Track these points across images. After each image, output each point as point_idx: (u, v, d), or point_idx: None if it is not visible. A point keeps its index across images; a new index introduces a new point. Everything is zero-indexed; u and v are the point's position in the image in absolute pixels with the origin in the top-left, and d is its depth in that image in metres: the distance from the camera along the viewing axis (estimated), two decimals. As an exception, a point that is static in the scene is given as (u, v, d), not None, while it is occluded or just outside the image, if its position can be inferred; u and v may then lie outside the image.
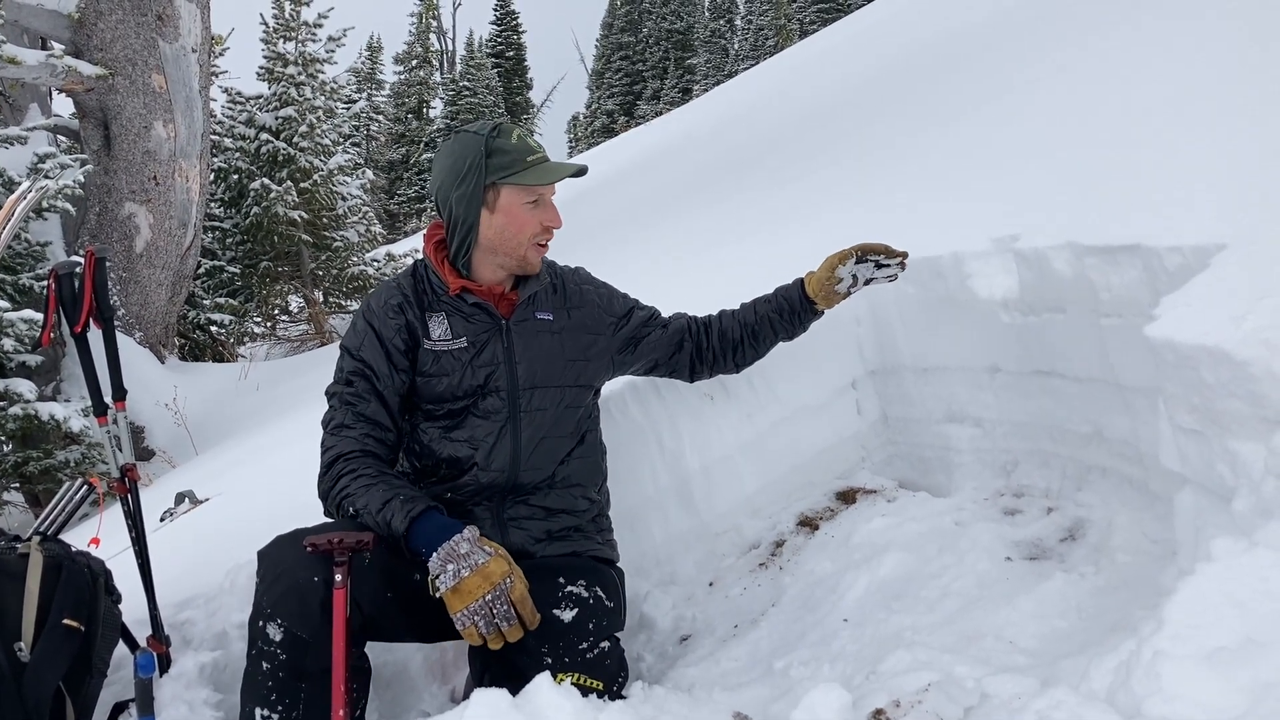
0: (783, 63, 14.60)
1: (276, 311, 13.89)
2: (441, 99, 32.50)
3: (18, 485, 7.18)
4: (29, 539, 2.23)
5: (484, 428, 2.19)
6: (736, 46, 39.03)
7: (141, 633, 2.36)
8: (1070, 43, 4.56)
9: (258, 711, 1.89)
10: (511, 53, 38.20)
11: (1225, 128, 2.53)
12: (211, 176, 11.17)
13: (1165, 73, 3.31)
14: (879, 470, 3.00)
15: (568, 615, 2.05)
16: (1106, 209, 2.34)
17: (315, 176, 12.63)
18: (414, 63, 33.06)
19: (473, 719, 1.63)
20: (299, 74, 13.04)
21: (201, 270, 11.57)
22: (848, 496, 2.92)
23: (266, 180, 12.13)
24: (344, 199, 13.39)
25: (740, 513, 2.93)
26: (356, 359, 2.19)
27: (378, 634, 2.08)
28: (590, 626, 2.05)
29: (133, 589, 2.36)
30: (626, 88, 42.72)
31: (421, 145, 31.02)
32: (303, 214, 12.38)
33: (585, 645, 2.02)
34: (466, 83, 31.66)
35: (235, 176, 12.59)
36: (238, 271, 12.46)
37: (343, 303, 13.87)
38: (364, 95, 29.71)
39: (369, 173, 15.65)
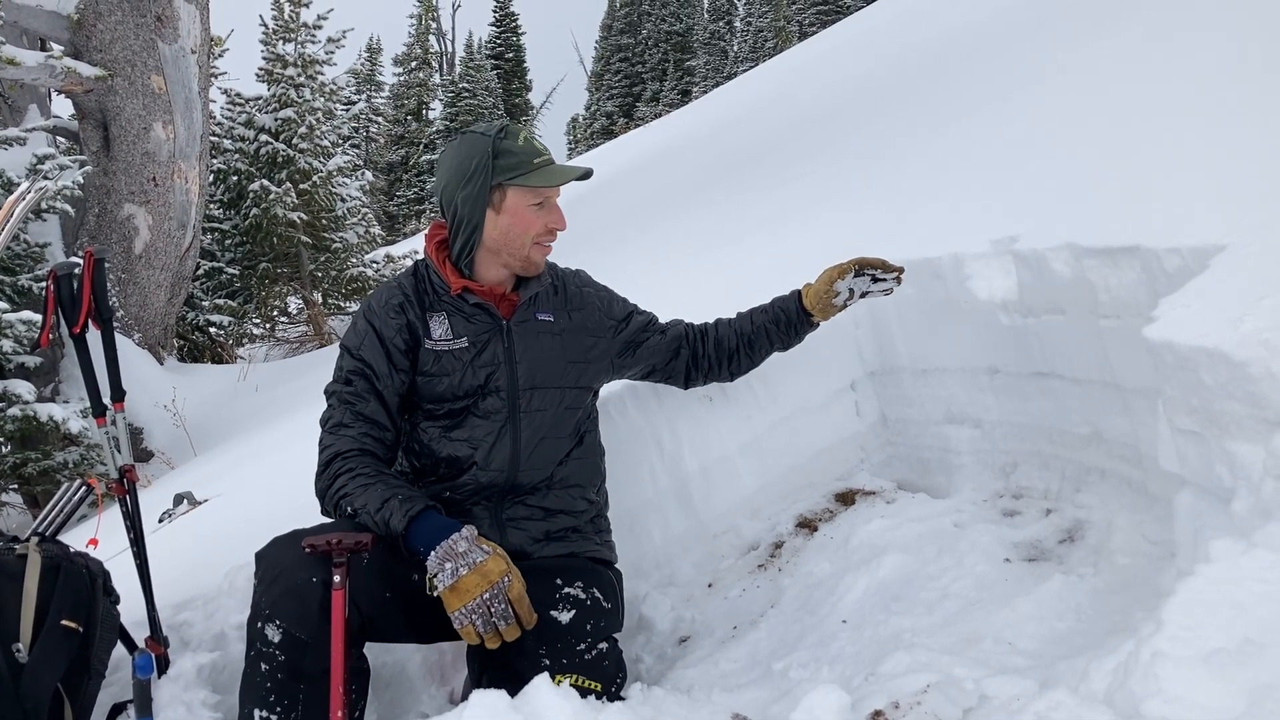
0: (782, 64, 14.61)
1: (275, 313, 13.88)
2: (441, 101, 32.51)
3: (16, 486, 7.17)
4: (27, 540, 2.23)
5: (484, 427, 2.20)
6: (736, 48, 39.05)
7: (140, 634, 2.36)
8: (1069, 44, 4.56)
9: (256, 713, 1.89)
10: (511, 54, 38.20)
11: (1224, 129, 2.53)
12: (211, 178, 11.17)
13: (1164, 74, 3.32)
14: (878, 472, 3.00)
15: (565, 617, 2.05)
16: (1105, 210, 2.34)
17: (314, 178, 12.63)
18: (413, 64, 33.09)
19: (473, 719, 1.63)
20: (298, 75, 13.04)
21: (200, 271, 11.57)
22: (847, 498, 2.92)
23: (266, 182, 12.14)
24: (343, 200, 13.40)
25: (739, 514, 2.93)
26: (356, 358, 2.19)
27: (376, 634, 2.08)
28: (588, 628, 2.05)
29: (131, 590, 2.35)
30: (626, 89, 42.73)
31: (421, 147, 31.03)
32: (302, 215, 12.38)
33: (583, 646, 2.02)
34: (466, 84, 31.67)
35: (234, 178, 12.59)
36: (237, 273, 12.46)
37: (342, 304, 13.86)
38: (363, 97, 29.70)
39: (368, 174, 15.66)
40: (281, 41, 13.39)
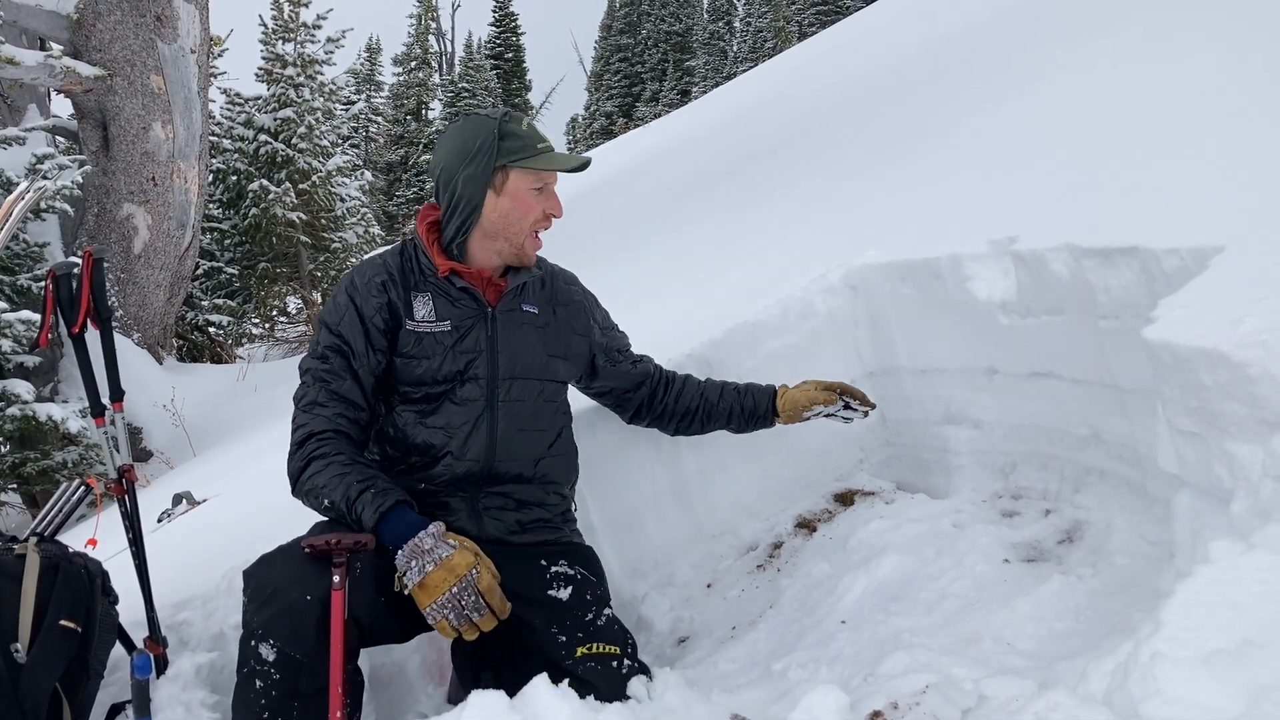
0: (782, 65, 14.61)
1: (275, 312, 13.90)
2: (440, 100, 32.49)
3: (15, 486, 7.18)
4: (26, 540, 2.23)
5: (460, 415, 2.17)
6: (735, 48, 39.05)
7: (138, 634, 2.36)
8: (1068, 44, 4.56)
9: None
10: (510, 54, 38.19)
11: (1223, 130, 2.53)
12: (210, 177, 11.17)
13: (1163, 75, 3.32)
14: (877, 472, 3.00)
15: (564, 593, 2.09)
16: (1104, 211, 2.34)
17: (314, 178, 12.65)
18: (413, 64, 33.06)
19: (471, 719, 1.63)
20: (298, 75, 13.05)
21: (200, 271, 11.57)
22: (846, 498, 2.92)
23: (265, 181, 12.15)
24: (342, 200, 13.41)
25: (738, 515, 2.93)
26: (335, 334, 2.16)
27: (374, 641, 2.08)
28: (588, 598, 2.10)
29: (130, 590, 2.35)
30: (625, 89, 42.72)
31: (420, 147, 31.00)
32: (301, 215, 12.39)
33: (590, 616, 2.07)
34: (465, 84, 31.67)
35: (234, 177, 12.61)
36: (236, 273, 12.47)
37: (341, 304, 13.84)
38: (363, 97, 29.69)
39: (367, 174, 15.68)
40: (281, 41, 13.40)
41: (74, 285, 2.36)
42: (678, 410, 2.55)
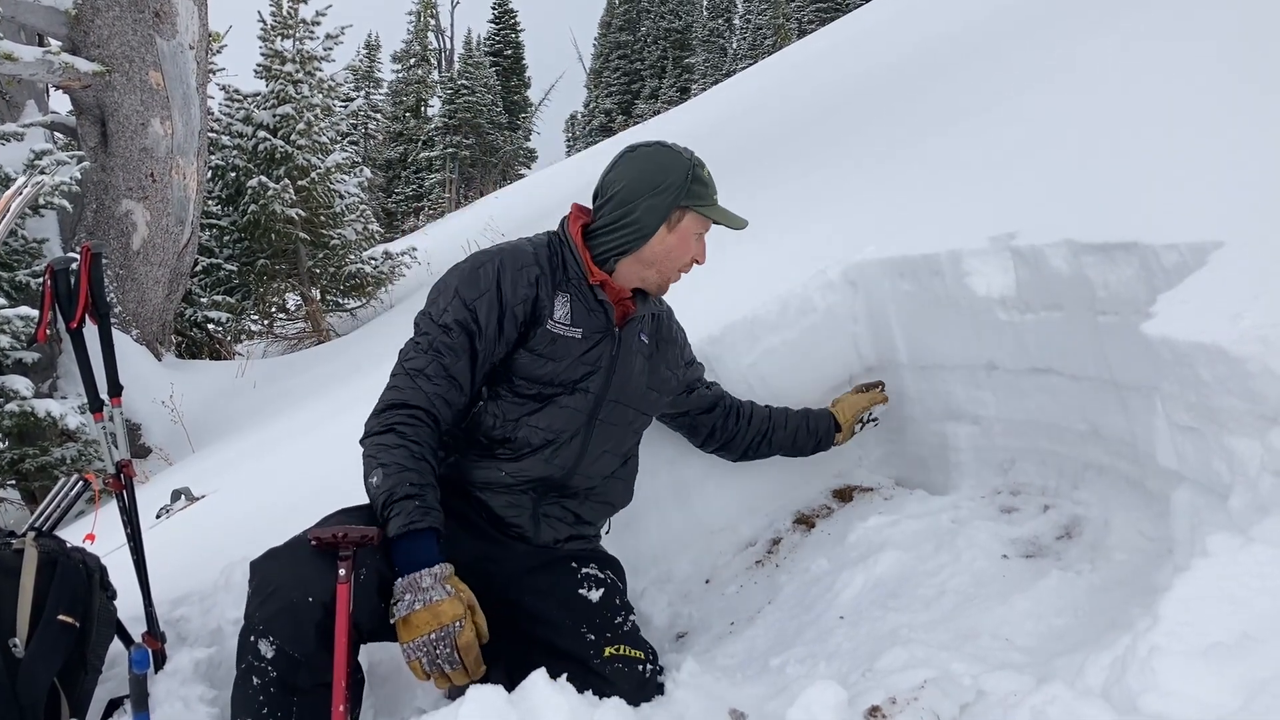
0: (781, 62, 14.60)
1: (274, 309, 13.88)
2: (439, 97, 32.46)
3: (14, 483, 7.17)
4: (24, 534, 2.23)
5: (562, 420, 2.21)
6: (735, 46, 39.02)
7: (137, 629, 2.36)
8: (1068, 41, 4.56)
9: None
10: (509, 51, 38.13)
11: (1223, 125, 2.53)
12: (209, 174, 11.17)
13: (1163, 71, 3.31)
14: (876, 468, 3.00)
15: (595, 595, 2.16)
16: (1104, 207, 2.34)
17: (313, 174, 12.62)
18: (412, 61, 33.02)
19: (469, 716, 1.63)
20: (297, 72, 13.02)
21: (198, 268, 11.55)
22: (844, 494, 2.93)
23: (264, 178, 12.12)
24: (341, 197, 13.38)
25: (737, 511, 2.93)
26: (469, 308, 2.12)
27: (374, 639, 2.08)
28: (617, 603, 2.17)
29: (128, 585, 2.35)
30: (624, 86, 42.68)
31: (419, 144, 30.99)
32: (300, 212, 12.37)
33: (619, 620, 2.13)
34: (464, 81, 31.62)
35: (232, 174, 12.58)
36: (235, 269, 12.45)
37: (340, 301, 13.85)
38: (362, 93, 29.67)
39: (367, 171, 15.64)
40: (280, 37, 13.37)
41: (72, 280, 2.36)
42: (748, 437, 2.65)
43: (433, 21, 35.27)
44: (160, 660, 2.32)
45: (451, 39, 39.96)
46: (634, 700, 1.94)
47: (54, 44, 8.42)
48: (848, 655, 2.08)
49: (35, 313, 6.63)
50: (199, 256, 11.14)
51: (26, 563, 2.13)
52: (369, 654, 2.11)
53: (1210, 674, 1.20)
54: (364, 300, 13.73)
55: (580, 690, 1.84)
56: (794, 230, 3.90)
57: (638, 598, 2.67)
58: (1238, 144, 2.34)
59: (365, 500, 2.15)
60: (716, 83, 26.61)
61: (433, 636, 1.85)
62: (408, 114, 32.11)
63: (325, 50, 14.28)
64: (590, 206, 2.31)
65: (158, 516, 3.96)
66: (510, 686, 1.78)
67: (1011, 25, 5.93)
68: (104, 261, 2.42)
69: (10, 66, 7.89)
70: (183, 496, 4.10)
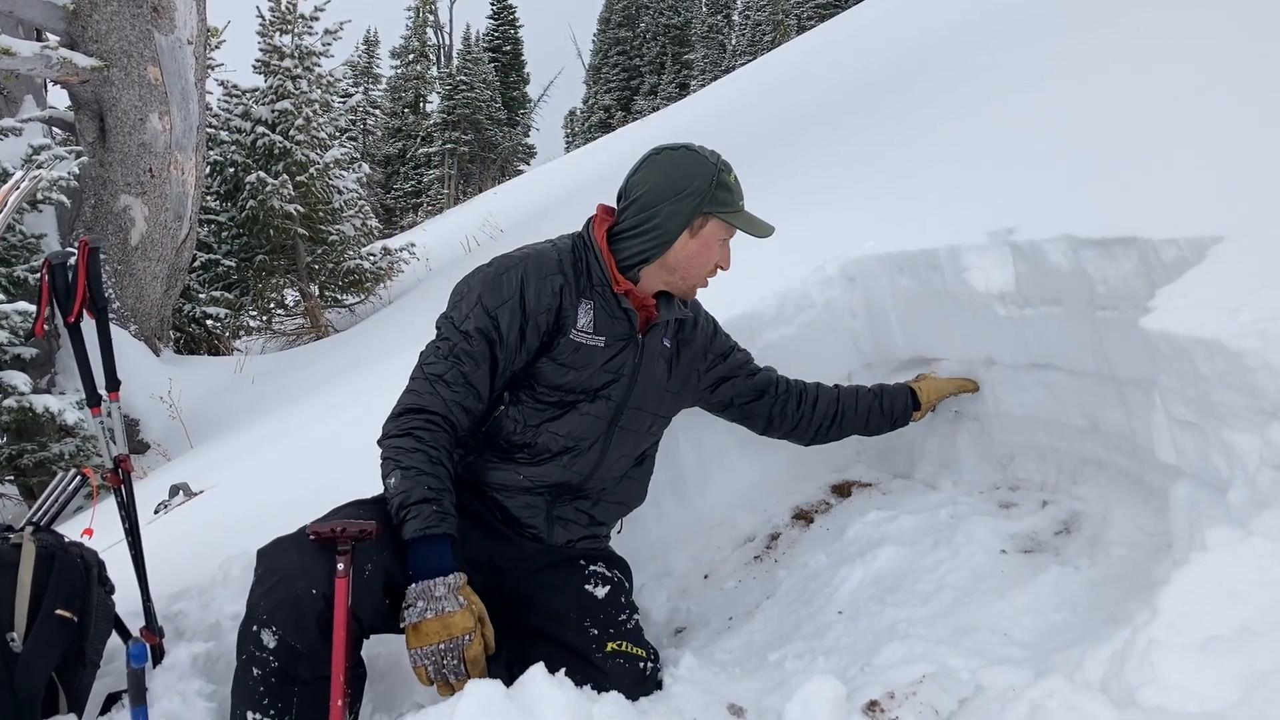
0: (780, 58, 14.59)
1: (272, 305, 13.87)
2: (438, 94, 32.44)
3: (12, 478, 7.17)
4: (22, 529, 2.23)
5: (583, 427, 2.20)
6: (734, 42, 38.98)
7: (135, 624, 2.36)
8: (1068, 37, 4.56)
9: (249, 715, 1.87)
10: (508, 47, 38.10)
11: (1221, 121, 2.53)
12: (207, 169, 11.14)
13: (1162, 66, 3.31)
14: (874, 464, 3.00)
15: (601, 591, 2.17)
16: (1102, 202, 2.34)
17: (311, 170, 12.61)
18: (411, 57, 32.99)
19: (466, 711, 1.63)
20: (295, 67, 13.01)
21: (197, 263, 11.55)
22: (843, 490, 2.93)
23: (262, 174, 12.11)
24: (340, 193, 13.38)
25: (735, 506, 2.93)
26: (490, 315, 2.10)
27: (375, 633, 2.08)
28: (622, 601, 2.18)
29: (126, 580, 2.35)
30: (623, 83, 42.65)
31: (418, 140, 30.97)
32: (298, 207, 12.36)
33: (623, 617, 2.13)
34: (463, 77, 31.60)
35: (231, 170, 12.57)
36: (233, 265, 12.44)
37: (339, 297, 13.85)
38: (360, 89, 29.62)
39: (365, 167, 15.66)
40: (278, 33, 13.35)
41: (70, 275, 2.35)
42: (815, 422, 2.57)
43: (431, 17, 35.25)
44: (158, 655, 2.32)
45: (450, 35, 39.90)
46: (632, 695, 1.94)
47: (52, 39, 8.42)
48: (846, 650, 2.08)
49: (33, 308, 6.62)
50: (197, 252, 11.13)
51: (24, 557, 2.12)
52: (366, 649, 2.11)
53: (1209, 667, 1.20)
54: (362, 296, 13.73)
55: (580, 684, 1.84)
56: (792, 226, 3.90)
57: (637, 593, 2.67)
58: (1237, 139, 2.34)
59: (369, 495, 2.16)
60: (716, 79, 26.59)
61: (441, 647, 1.86)
62: (406, 110, 32.09)
63: (324, 46, 14.26)
64: (615, 207, 2.28)
65: (156, 512, 3.96)
66: (510, 680, 1.78)
67: (1010, 21, 5.92)
68: (102, 256, 2.41)
69: (8, 61, 7.88)
70: (181, 492, 4.10)
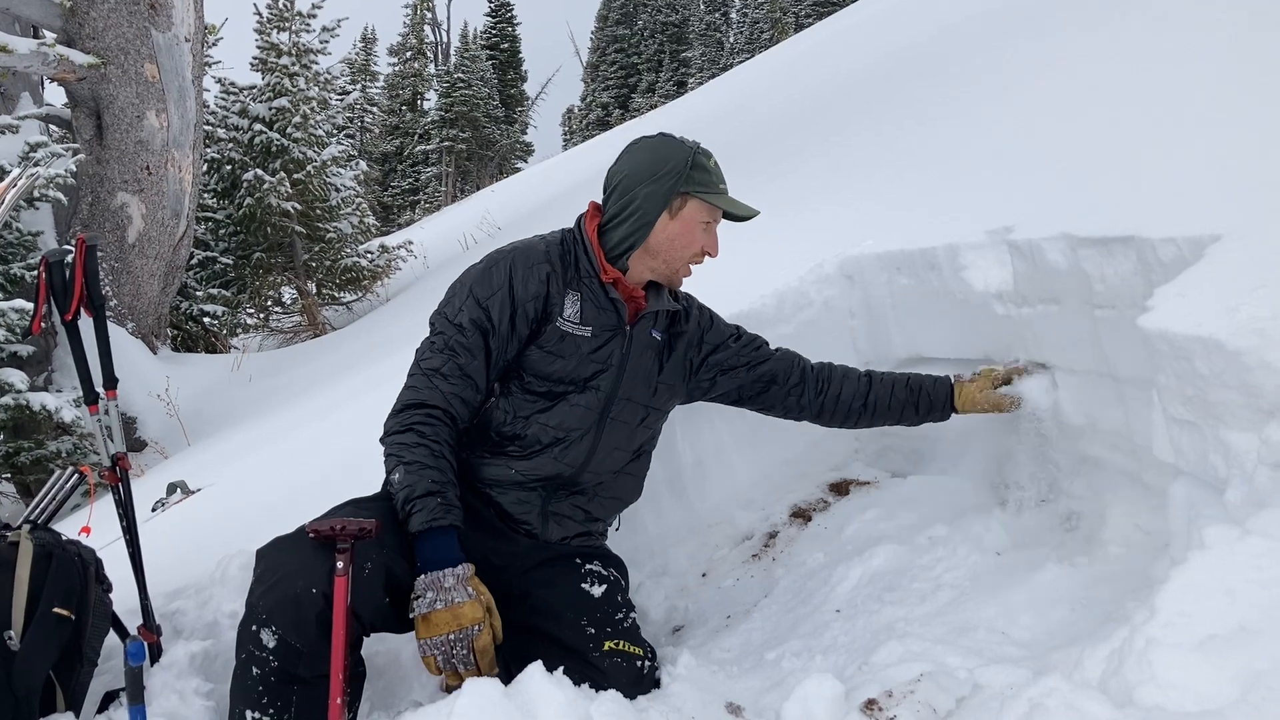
0: (778, 56, 14.58)
1: (269, 303, 13.86)
2: (436, 91, 32.42)
3: (9, 476, 7.16)
4: (19, 527, 2.22)
5: (573, 419, 2.21)
6: (732, 40, 39.02)
7: (132, 622, 2.35)
8: (1066, 36, 4.55)
9: (248, 713, 1.87)
10: (506, 45, 38.09)
11: (1220, 119, 2.53)
12: (204, 167, 11.13)
13: (1161, 65, 3.31)
14: (872, 462, 3.00)
15: (597, 590, 2.17)
16: (1101, 200, 2.34)
17: (309, 168, 12.59)
18: (408, 54, 32.99)
19: (465, 708, 1.63)
20: (292, 64, 12.99)
21: (194, 261, 11.53)
22: (841, 488, 2.93)
23: (260, 171, 12.09)
24: (337, 190, 13.36)
25: (733, 504, 2.93)
26: (482, 307, 2.15)
27: (376, 631, 2.08)
28: (619, 599, 2.18)
29: (124, 578, 2.35)
30: (621, 80, 42.65)
31: (415, 137, 30.95)
32: (296, 205, 12.35)
33: (620, 616, 2.14)
34: (461, 75, 31.58)
35: (228, 167, 12.55)
36: (230, 263, 12.42)
37: (336, 294, 13.83)
38: (358, 87, 29.62)
39: (363, 164, 15.63)
40: (276, 30, 13.34)
41: (67, 273, 2.35)
42: (839, 410, 2.52)
43: (429, 15, 35.22)
44: (156, 653, 2.32)
45: (448, 32, 39.91)
46: (630, 694, 1.95)
47: (49, 36, 8.39)
48: (844, 649, 2.08)
49: (30, 306, 6.61)
50: (194, 250, 11.12)
51: (22, 555, 2.12)
52: (365, 646, 2.11)
53: (1207, 666, 1.20)
54: (360, 294, 13.72)
55: (577, 683, 1.85)
56: (790, 225, 3.90)
57: (634, 591, 2.67)
58: (1235, 138, 2.34)
59: (368, 493, 2.16)
60: (713, 77, 26.58)
61: (451, 637, 1.88)
62: (404, 107, 32.08)
63: (321, 43, 14.24)
64: None
65: (153, 510, 3.96)
66: (508, 678, 1.79)
67: (1008, 20, 5.92)
68: (99, 254, 2.41)
69: (5, 58, 7.86)
70: (178, 490, 4.10)
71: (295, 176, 12.45)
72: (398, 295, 12.46)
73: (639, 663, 2.07)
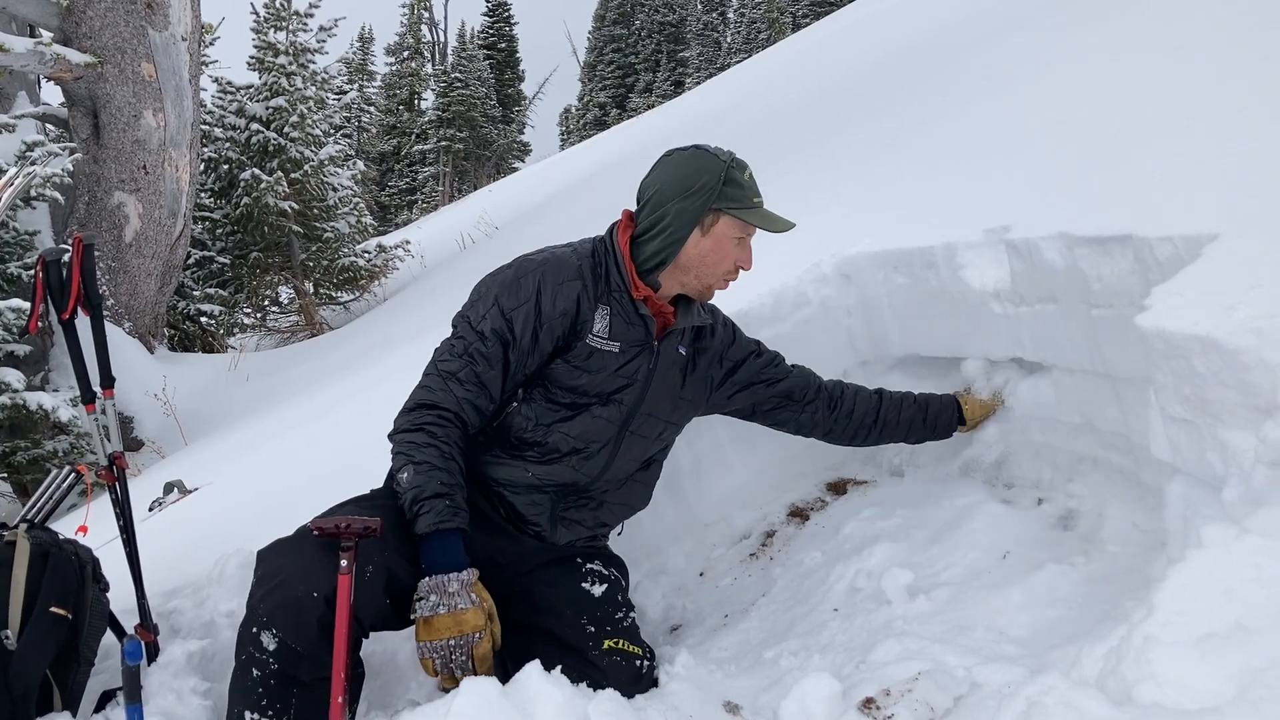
0: (775, 56, 14.59)
1: (266, 302, 13.84)
2: (433, 90, 32.40)
3: (6, 475, 7.15)
4: (16, 527, 2.22)
5: (595, 430, 2.20)
6: (729, 39, 39.02)
7: (129, 621, 2.35)
8: (1064, 36, 4.56)
9: (248, 715, 1.87)
10: (503, 45, 38.06)
11: (1217, 119, 2.53)
12: (201, 166, 11.10)
13: (1158, 65, 3.32)
14: (869, 461, 3.00)
15: (598, 589, 2.18)
16: (1098, 199, 2.34)
17: (306, 167, 12.58)
18: (405, 54, 32.98)
19: (463, 707, 1.63)
20: (290, 64, 12.98)
21: (191, 261, 11.52)
22: (838, 487, 2.93)
23: (257, 170, 12.08)
24: (335, 190, 13.35)
25: (730, 504, 2.93)
26: (505, 318, 2.12)
27: (374, 630, 2.08)
28: (619, 599, 2.19)
29: (121, 577, 2.34)
30: (619, 80, 42.64)
31: (413, 137, 30.94)
32: (293, 205, 12.34)
33: (620, 615, 2.15)
34: (458, 74, 31.55)
35: (225, 166, 12.54)
36: (228, 262, 12.41)
37: (333, 294, 13.82)
38: (355, 86, 29.56)
39: (360, 164, 15.62)
40: (273, 30, 13.33)
41: (64, 272, 2.34)
42: (850, 428, 2.54)
43: (426, 14, 35.20)
44: (153, 652, 2.31)
45: (445, 32, 39.83)
46: (629, 693, 1.94)
47: (45, 35, 8.37)
48: (841, 647, 2.09)
49: (27, 305, 6.60)
50: (191, 249, 11.10)
51: (18, 555, 2.12)
52: (363, 646, 2.11)
53: (1204, 664, 1.20)
54: (357, 294, 13.71)
55: (576, 681, 1.84)
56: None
57: (632, 590, 2.67)
58: (1232, 137, 2.34)
59: (365, 491, 2.16)
60: (711, 76, 26.58)
61: (452, 643, 1.88)
62: (401, 107, 32.07)
63: (318, 43, 14.24)
64: None
65: (150, 509, 3.95)
66: (505, 674, 1.79)
67: (1006, 19, 5.93)
68: (96, 253, 2.40)
69: (1, 58, 7.85)
70: (175, 489, 4.09)
71: (292, 176, 12.44)
72: (395, 295, 12.46)
73: (638, 662, 2.07)
